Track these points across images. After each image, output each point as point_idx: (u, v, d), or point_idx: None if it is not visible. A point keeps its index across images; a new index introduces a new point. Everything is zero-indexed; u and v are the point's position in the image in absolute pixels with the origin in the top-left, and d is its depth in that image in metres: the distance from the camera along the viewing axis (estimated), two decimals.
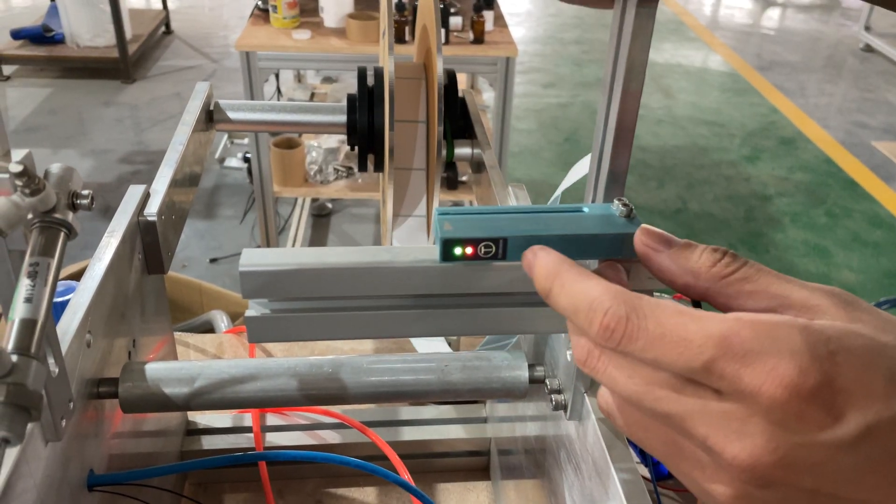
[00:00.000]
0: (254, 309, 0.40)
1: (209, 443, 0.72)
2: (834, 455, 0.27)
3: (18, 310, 0.34)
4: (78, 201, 0.39)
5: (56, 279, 0.37)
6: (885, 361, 0.27)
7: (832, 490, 0.28)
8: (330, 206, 3.04)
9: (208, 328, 1.31)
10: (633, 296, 0.30)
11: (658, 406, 0.30)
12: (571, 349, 0.34)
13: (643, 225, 0.35)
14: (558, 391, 0.48)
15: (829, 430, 0.27)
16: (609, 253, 0.37)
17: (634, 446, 0.76)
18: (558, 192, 0.64)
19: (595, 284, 0.31)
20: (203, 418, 0.74)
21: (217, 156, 3.27)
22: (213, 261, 2.69)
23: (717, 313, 0.29)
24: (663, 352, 0.29)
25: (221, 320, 1.31)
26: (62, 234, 0.37)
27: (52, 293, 0.36)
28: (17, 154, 0.36)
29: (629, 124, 0.36)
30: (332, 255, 0.39)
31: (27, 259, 0.36)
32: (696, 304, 0.39)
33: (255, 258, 0.38)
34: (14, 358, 0.33)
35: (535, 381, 0.52)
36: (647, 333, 0.29)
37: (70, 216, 0.38)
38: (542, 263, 0.34)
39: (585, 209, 0.38)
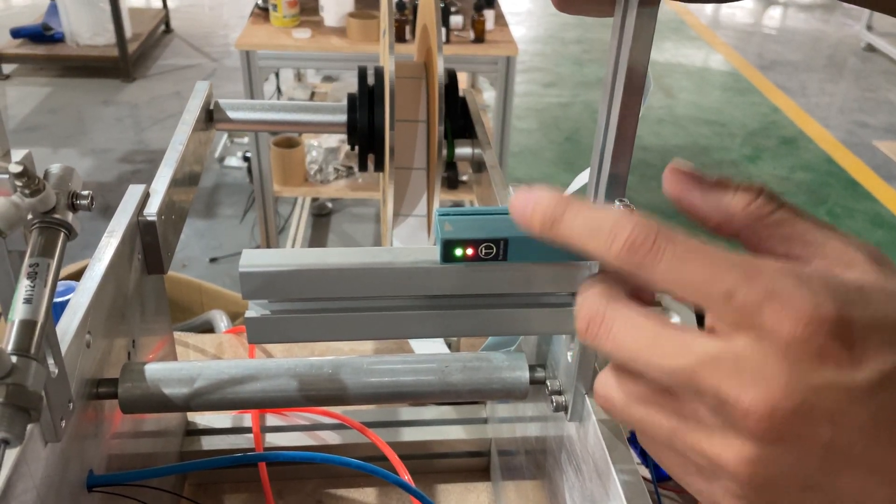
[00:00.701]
0: (253, 310, 0.40)
1: (209, 443, 0.72)
2: (852, 401, 0.26)
3: (18, 310, 0.34)
4: (78, 202, 0.39)
5: (56, 280, 0.37)
6: None
7: (847, 445, 0.26)
8: (330, 205, 3.03)
9: (208, 328, 1.31)
10: (659, 222, 0.29)
11: (665, 361, 0.28)
12: (577, 313, 0.31)
13: (672, 162, 0.33)
14: (559, 392, 0.48)
15: (848, 372, 0.26)
16: None
17: (635, 447, 0.76)
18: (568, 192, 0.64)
19: (616, 209, 0.30)
20: (203, 419, 0.74)
21: (217, 155, 3.26)
22: (212, 260, 2.69)
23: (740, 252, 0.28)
24: (685, 273, 0.27)
25: (221, 320, 1.31)
26: (62, 235, 0.37)
27: (52, 294, 0.36)
28: (17, 154, 0.36)
29: (630, 127, 0.36)
30: (332, 256, 0.39)
31: (27, 259, 0.36)
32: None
33: (255, 259, 0.38)
34: (14, 359, 0.33)
35: (536, 383, 0.52)
36: (672, 253, 0.28)
37: (70, 216, 0.38)
38: (546, 194, 0.32)
39: None
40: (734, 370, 0.27)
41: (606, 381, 0.32)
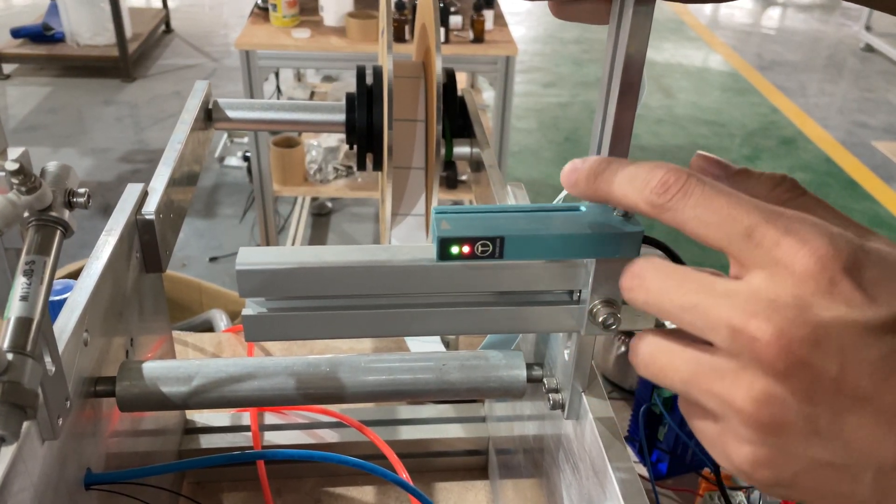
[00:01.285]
0: (251, 308, 0.40)
1: (207, 442, 0.72)
2: (862, 339, 0.26)
3: (14, 308, 0.34)
4: (74, 199, 0.39)
5: (52, 277, 0.37)
6: None
7: (854, 383, 0.27)
8: (330, 205, 3.03)
9: (208, 327, 1.31)
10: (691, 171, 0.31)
11: (686, 298, 0.30)
12: (623, 273, 0.33)
13: (699, 152, 0.35)
14: (556, 390, 0.48)
15: (859, 309, 0.27)
16: (607, 252, 0.37)
17: (633, 445, 0.76)
18: (561, 196, 0.64)
19: (653, 162, 0.32)
20: (201, 417, 0.74)
21: (217, 155, 3.26)
22: (212, 260, 2.68)
23: None
24: (710, 212, 0.29)
25: (221, 319, 1.31)
26: (58, 233, 0.37)
27: (49, 291, 0.36)
28: (15, 153, 0.36)
29: (627, 124, 0.36)
30: (329, 254, 0.39)
31: (23, 257, 0.36)
32: None
33: (252, 257, 0.38)
34: (10, 356, 0.33)
35: (534, 381, 0.52)
36: (700, 193, 0.29)
37: (66, 214, 0.38)
38: (594, 157, 0.34)
39: (583, 208, 0.37)
40: (748, 303, 0.28)
41: (641, 341, 0.33)
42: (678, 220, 0.30)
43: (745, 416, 0.28)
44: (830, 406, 0.27)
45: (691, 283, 0.30)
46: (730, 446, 0.29)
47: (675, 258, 0.42)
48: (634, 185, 0.31)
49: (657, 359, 0.32)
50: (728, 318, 0.28)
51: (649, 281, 0.32)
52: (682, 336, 0.31)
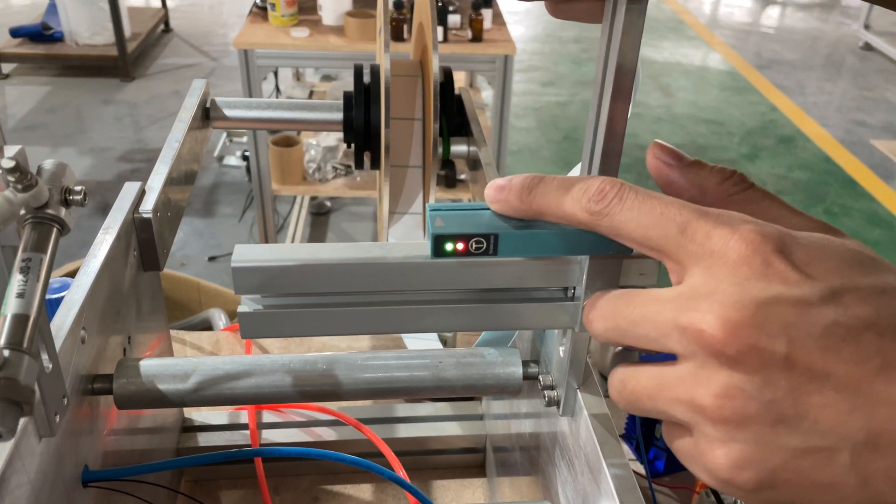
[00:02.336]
0: (246, 305, 0.40)
1: (205, 440, 0.72)
2: (803, 314, 0.27)
3: (10, 305, 0.34)
4: (70, 197, 0.39)
5: (49, 274, 0.37)
6: (849, 251, 0.29)
7: (807, 360, 0.27)
8: (329, 204, 3.04)
9: (206, 326, 1.31)
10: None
11: (635, 311, 0.31)
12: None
13: (656, 140, 0.36)
14: (551, 387, 0.48)
15: (795, 286, 0.27)
16: (600, 248, 0.37)
17: (629, 442, 0.77)
18: None
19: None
20: (199, 416, 0.74)
21: (216, 154, 3.27)
22: (211, 259, 2.69)
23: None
24: (645, 215, 0.31)
25: (219, 318, 1.32)
26: (55, 230, 0.38)
27: (45, 288, 0.36)
28: (11, 150, 0.36)
29: (620, 121, 0.36)
30: (324, 252, 0.39)
31: (20, 254, 0.36)
32: None
33: (248, 254, 0.39)
34: (6, 352, 0.33)
35: (530, 378, 0.52)
36: (634, 198, 0.31)
37: (63, 212, 0.38)
38: (520, 175, 0.35)
39: None
40: (690, 300, 0.29)
41: (613, 374, 0.34)
42: (616, 225, 0.31)
43: (710, 414, 0.28)
44: (789, 388, 0.27)
45: (638, 297, 0.32)
46: (706, 455, 0.29)
47: None
48: (572, 196, 0.33)
49: (626, 384, 0.33)
50: (674, 318, 0.29)
51: (603, 306, 0.33)
52: (646, 360, 0.32)
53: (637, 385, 0.32)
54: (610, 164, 0.37)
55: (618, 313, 0.32)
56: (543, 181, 0.34)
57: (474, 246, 0.36)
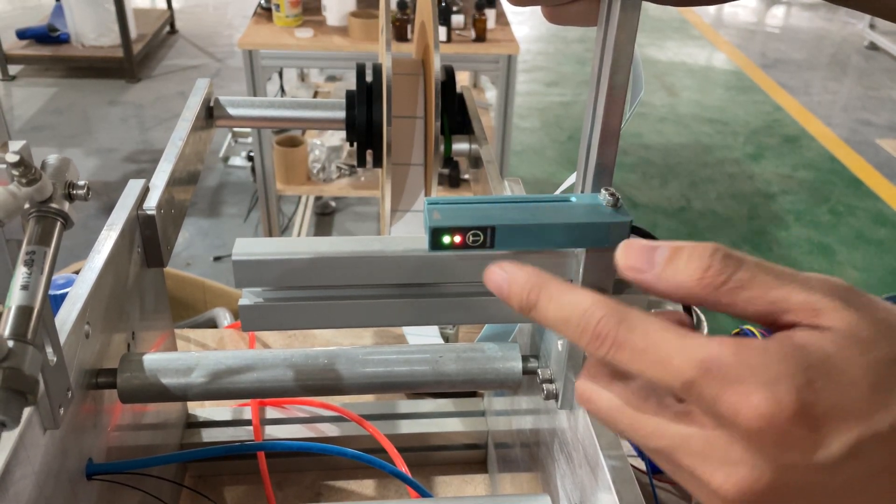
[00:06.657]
0: (247, 298, 0.40)
1: (209, 435, 0.73)
2: (822, 477, 0.27)
3: (15, 297, 0.35)
4: (74, 191, 0.39)
5: (52, 267, 0.37)
6: (872, 370, 0.27)
7: None
8: (333, 204, 3.04)
9: (212, 325, 1.32)
10: (624, 307, 0.30)
11: (646, 441, 0.30)
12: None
13: (622, 243, 0.32)
14: (550, 380, 0.48)
15: (813, 453, 0.27)
16: (595, 242, 0.37)
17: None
18: (561, 188, 0.64)
19: (585, 294, 0.31)
20: (203, 411, 0.75)
21: (221, 155, 3.28)
22: (216, 259, 2.70)
23: (701, 335, 0.29)
24: (646, 366, 0.29)
25: (224, 317, 1.32)
26: (59, 224, 0.38)
27: (49, 281, 0.37)
28: (16, 145, 0.37)
29: (615, 117, 0.36)
30: (323, 245, 0.39)
31: (24, 247, 0.37)
32: (687, 308, 0.39)
33: (248, 247, 0.39)
34: (10, 343, 0.34)
35: (529, 373, 0.53)
36: (632, 345, 0.29)
37: (66, 206, 0.39)
38: (521, 278, 0.33)
39: (573, 199, 0.38)
40: (704, 451, 0.28)
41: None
42: (619, 364, 0.30)
43: None
44: None
45: (646, 420, 0.30)
46: None
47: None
48: (569, 331, 0.31)
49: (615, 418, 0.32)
50: (690, 465, 0.29)
51: (614, 423, 0.32)
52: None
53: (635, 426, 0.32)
54: (606, 158, 0.37)
55: (636, 420, 0.31)
56: (541, 298, 0.32)
57: (471, 239, 0.36)
